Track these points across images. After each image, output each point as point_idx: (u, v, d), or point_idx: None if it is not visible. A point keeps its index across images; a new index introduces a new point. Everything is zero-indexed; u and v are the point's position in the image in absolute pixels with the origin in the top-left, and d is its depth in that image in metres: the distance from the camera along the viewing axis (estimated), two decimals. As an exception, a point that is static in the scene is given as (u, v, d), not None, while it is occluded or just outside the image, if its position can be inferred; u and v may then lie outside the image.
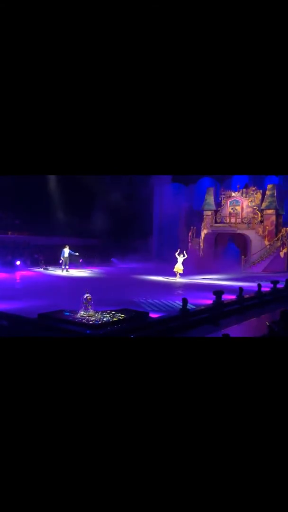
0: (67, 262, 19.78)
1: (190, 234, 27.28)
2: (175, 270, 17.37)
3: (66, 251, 19.74)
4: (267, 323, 7.42)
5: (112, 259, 24.87)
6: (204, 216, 26.65)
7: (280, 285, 14.91)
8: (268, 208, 24.75)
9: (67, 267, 19.71)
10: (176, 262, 17.40)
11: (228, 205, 26.04)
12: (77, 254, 20.37)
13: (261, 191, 25.59)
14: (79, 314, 9.00)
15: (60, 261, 19.93)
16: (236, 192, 26.05)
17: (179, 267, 17.34)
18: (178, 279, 17.09)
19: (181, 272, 17.34)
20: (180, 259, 17.38)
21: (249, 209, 25.34)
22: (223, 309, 11.33)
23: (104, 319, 8.70)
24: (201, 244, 26.32)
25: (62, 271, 19.43)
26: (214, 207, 26.40)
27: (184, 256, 17.46)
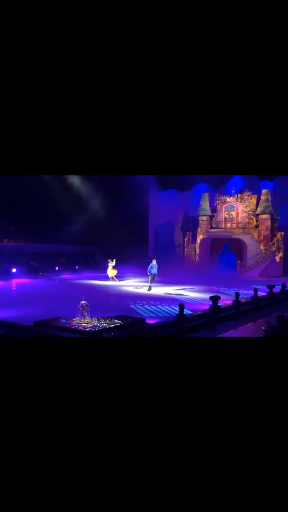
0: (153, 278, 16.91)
1: (186, 239, 27.35)
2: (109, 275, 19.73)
3: (155, 266, 16.88)
4: (263, 328, 7.44)
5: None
6: (200, 222, 26.74)
7: (276, 289, 14.95)
8: (263, 212, 24.87)
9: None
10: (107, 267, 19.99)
11: (223, 210, 26.15)
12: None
13: (256, 196, 25.73)
14: (75, 321, 8.99)
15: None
16: (231, 198, 26.17)
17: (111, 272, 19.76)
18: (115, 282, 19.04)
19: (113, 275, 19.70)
20: (110, 264, 19.94)
21: (244, 214, 25.46)
22: (219, 314, 11.34)
23: (101, 326, 8.70)
24: (197, 249, 26.39)
25: (149, 289, 16.43)
26: (209, 213, 26.50)
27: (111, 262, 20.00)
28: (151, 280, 16.66)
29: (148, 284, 16.66)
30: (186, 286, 17.17)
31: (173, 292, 15.67)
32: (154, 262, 16.87)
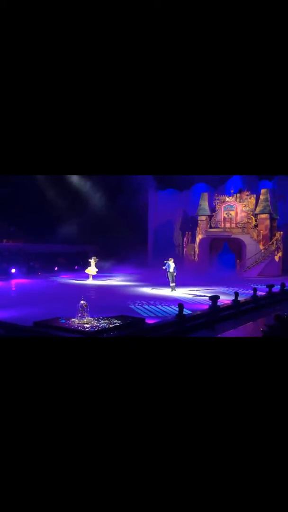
0: (173, 277, 15.62)
1: (185, 239, 27.36)
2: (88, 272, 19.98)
3: (172, 265, 15.67)
4: (261, 329, 7.44)
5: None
6: (199, 222, 26.75)
7: (275, 289, 14.96)
8: (262, 212, 24.87)
9: (174, 284, 15.70)
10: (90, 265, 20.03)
11: (223, 210, 26.16)
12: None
13: (255, 195, 25.74)
14: (75, 321, 8.99)
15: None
16: (230, 197, 26.17)
17: (92, 270, 20.00)
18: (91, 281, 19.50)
19: (94, 273, 20.00)
20: (93, 262, 20.13)
21: (244, 214, 25.47)
22: (219, 314, 11.35)
23: (100, 326, 8.70)
24: (196, 249, 26.40)
25: (172, 290, 15.51)
26: (208, 212, 26.51)
27: (94, 259, 20.28)
28: (171, 280, 15.75)
29: (172, 284, 15.68)
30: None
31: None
32: (171, 261, 15.90)
